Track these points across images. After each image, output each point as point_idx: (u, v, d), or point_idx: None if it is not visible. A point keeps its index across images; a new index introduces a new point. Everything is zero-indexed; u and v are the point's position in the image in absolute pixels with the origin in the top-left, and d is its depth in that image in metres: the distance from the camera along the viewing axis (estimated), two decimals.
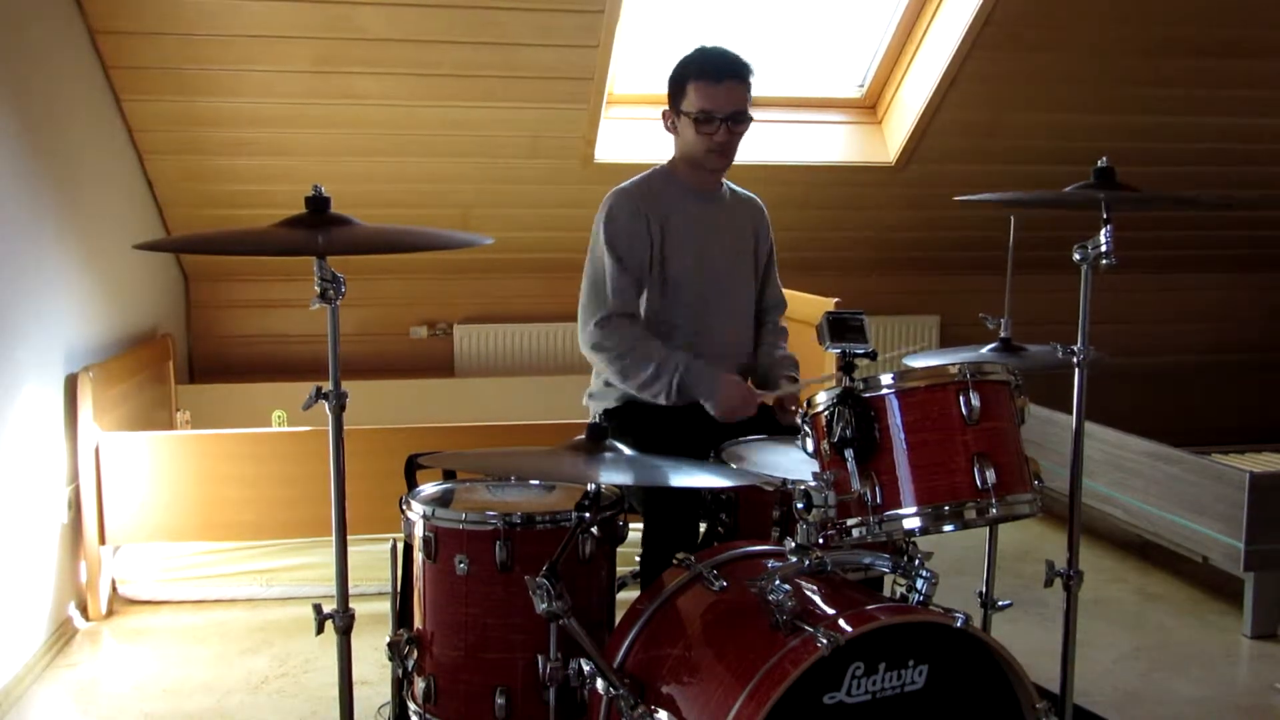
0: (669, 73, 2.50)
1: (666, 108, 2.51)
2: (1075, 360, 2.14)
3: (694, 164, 2.52)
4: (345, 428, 1.93)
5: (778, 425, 2.43)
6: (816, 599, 1.69)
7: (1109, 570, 3.69)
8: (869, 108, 4.56)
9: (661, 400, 2.39)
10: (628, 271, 2.43)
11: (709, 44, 2.50)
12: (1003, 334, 2.53)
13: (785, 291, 2.75)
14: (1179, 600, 3.43)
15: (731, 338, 2.58)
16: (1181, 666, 2.93)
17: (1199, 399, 5.04)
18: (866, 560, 1.81)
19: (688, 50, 2.50)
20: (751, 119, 2.47)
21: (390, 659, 2.07)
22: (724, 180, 2.63)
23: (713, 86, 2.42)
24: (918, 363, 2.37)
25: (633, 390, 2.42)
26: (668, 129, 2.53)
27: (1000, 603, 2.37)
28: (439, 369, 4.69)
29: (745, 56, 2.47)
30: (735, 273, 2.59)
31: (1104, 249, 2.03)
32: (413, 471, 2.17)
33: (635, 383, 2.40)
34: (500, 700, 1.96)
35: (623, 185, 2.52)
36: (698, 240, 2.51)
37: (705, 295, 2.50)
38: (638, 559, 2.27)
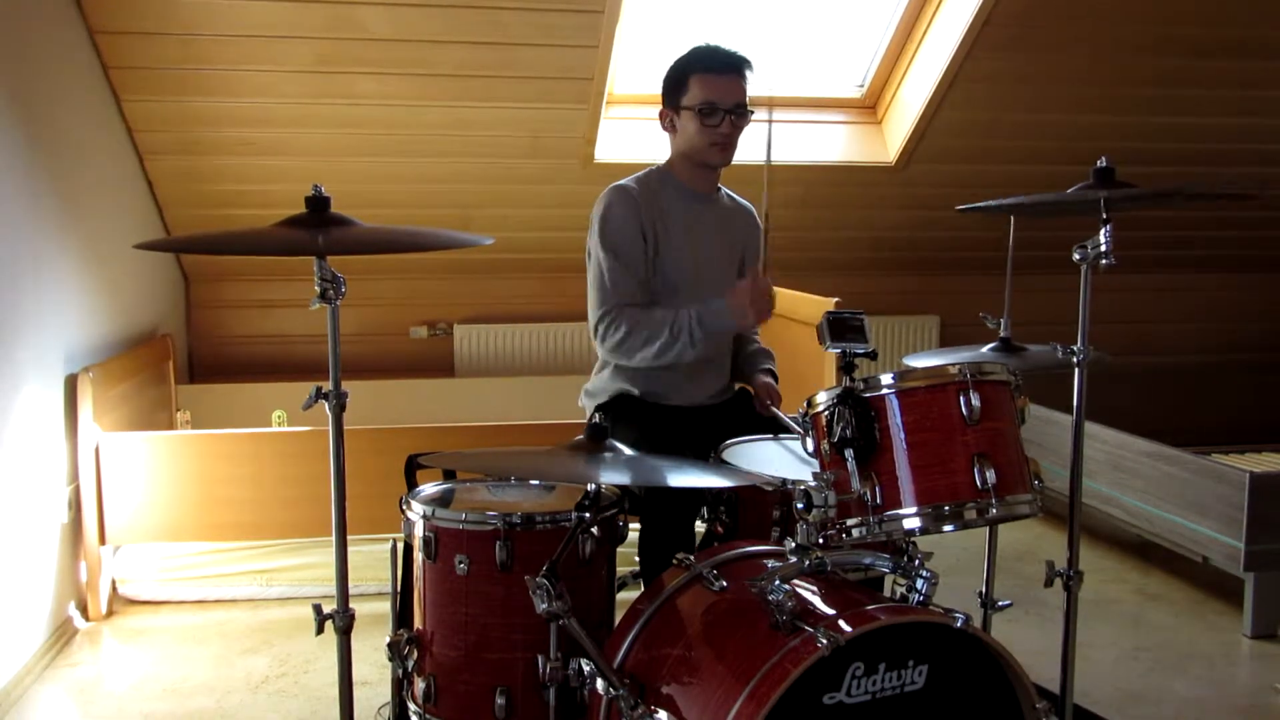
0: (665, 73, 2.50)
1: (663, 107, 2.51)
2: (1075, 360, 2.14)
3: (694, 161, 2.51)
4: (345, 428, 1.93)
5: (776, 424, 2.43)
6: (816, 599, 1.69)
7: (1109, 570, 3.69)
8: (869, 108, 4.56)
9: (690, 355, 2.38)
10: (624, 264, 2.43)
11: (708, 42, 2.49)
12: (1003, 334, 2.53)
13: (785, 291, 2.75)
14: (1179, 600, 3.43)
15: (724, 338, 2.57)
16: (1181, 666, 2.93)
17: (1199, 399, 5.04)
18: (866, 560, 1.81)
19: (685, 50, 2.50)
20: (752, 114, 2.46)
21: (390, 659, 2.07)
22: (720, 185, 2.63)
23: (717, 78, 2.42)
24: (918, 363, 2.37)
25: (668, 360, 2.40)
26: (665, 128, 2.53)
27: (1000, 603, 2.37)
28: (439, 369, 4.69)
29: (746, 54, 2.47)
30: (728, 276, 2.59)
31: (1103, 249, 2.03)
32: (413, 471, 2.17)
33: (658, 351, 2.38)
34: (500, 700, 1.96)
35: (620, 182, 2.52)
36: (693, 241, 2.52)
37: (701, 296, 2.50)
38: (638, 559, 2.27)
